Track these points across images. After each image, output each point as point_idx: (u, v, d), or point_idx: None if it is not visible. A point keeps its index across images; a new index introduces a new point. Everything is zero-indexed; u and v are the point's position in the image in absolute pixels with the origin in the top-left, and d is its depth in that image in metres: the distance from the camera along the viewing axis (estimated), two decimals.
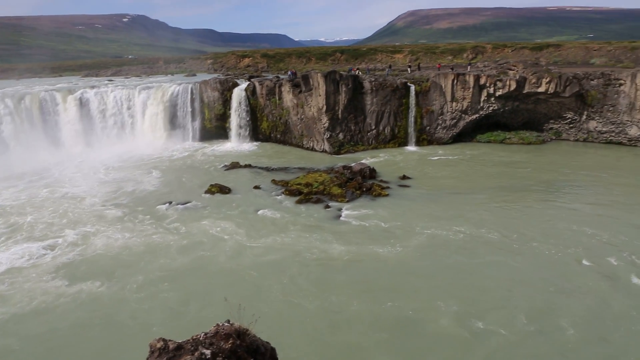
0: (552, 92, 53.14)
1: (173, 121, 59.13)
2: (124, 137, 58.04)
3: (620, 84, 52.67)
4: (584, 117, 54.92)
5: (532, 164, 45.83)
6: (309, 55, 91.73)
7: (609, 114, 53.48)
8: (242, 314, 6.42)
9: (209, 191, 38.44)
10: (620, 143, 52.99)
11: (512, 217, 31.97)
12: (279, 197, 36.83)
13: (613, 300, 21.29)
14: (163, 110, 58.49)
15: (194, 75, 78.92)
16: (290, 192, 37.27)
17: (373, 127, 54.31)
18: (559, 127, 56.62)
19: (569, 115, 55.37)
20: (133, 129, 58.80)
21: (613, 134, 53.75)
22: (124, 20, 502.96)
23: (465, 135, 56.41)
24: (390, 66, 73.92)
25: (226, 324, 6.09)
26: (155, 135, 58.36)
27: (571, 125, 55.95)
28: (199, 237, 29.33)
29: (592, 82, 53.96)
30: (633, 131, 52.41)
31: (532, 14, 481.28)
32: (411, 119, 54.44)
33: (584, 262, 25.02)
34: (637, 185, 38.65)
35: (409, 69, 67.71)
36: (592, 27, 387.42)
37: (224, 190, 38.58)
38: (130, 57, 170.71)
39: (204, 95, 59.11)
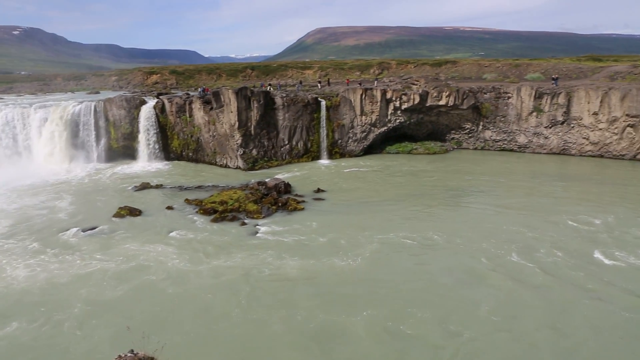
0: (452, 104, 57.14)
1: (75, 142, 55.39)
2: (18, 160, 53.37)
3: (509, 97, 57.97)
4: (480, 127, 59.62)
5: (438, 172, 48.80)
6: (219, 72, 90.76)
7: (501, 124, 58.56)
8: (147, 342, 6.18)
9: (118, 214, 36.39)
10: (511, 150, 58.21)
11: (424, 221, 33.72)
12: (193, 217, 35.81)
13: (523, 291, 23.18)
14: (64, 130, 54.65)
15: (97, 92, 74.73)
16: (205, 211, 36.41)
17: (286, 142, 54.81)
18: (460, 137, 60.90)
19: (468, 125, 59.81)
20: (30, 151, 54.31)
21: (505, 142, 58.87)
22: (15, 33, 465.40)
23: (375, 147, 58.76)
24: (300, 82, 75.26)
25: (129, 354, 5.85)
26: (55, 158, 54.29)
27: (470, 135, 60.41)
28: (106, 264, 27.62)
29: (485, 95, 58.83)
30: (521, 139, 57.80)
31: (431, 33, 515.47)
32: (323, 133, 55.70)
33: (487, 259, 27.00)
34: (531, 187, 42.56)
35: (319, 85, 69.38)
36: (483, 46, 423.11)
37: (134, 212, 36.75)
38: (23, 73, 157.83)
39: (109, 113, 56.19)
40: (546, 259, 27.16)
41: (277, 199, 38.48)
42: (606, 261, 26.73)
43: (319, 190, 42.23)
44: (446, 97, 56.99)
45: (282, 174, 48.29)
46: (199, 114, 55.04)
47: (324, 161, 55.21)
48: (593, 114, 54.15)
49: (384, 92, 56.92)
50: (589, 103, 54.16)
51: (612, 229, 31.79)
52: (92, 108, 55.74)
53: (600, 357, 18.46)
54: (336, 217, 35.06)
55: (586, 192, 41.30)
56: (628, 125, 52.74)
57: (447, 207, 37.65)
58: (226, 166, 53.69)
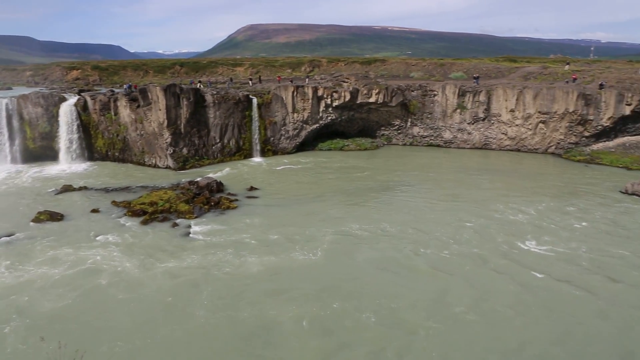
0: (381, 102, 58.80)
1: None
2: None
3: (434, 95, 60.57)
4: (409, 123, 61.86)
5: (370, 168, 50.10)
6: (146, 68, 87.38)
7: (428, 120, 61.11)
8: (64, 353, 5.92)
9: (37, 220, 34.07)
10: (438, 145, 60.96)
11: (357, 215, 34.48)
12: (121, 220, 34.30)
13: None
14: None
15: (10, 88, 69.42)
16: (134, 213, 35.01)
17: (218, 141, 53.88)
18: (389, 133, 62.83)
19: (397, 122, 61.83)
20: None
21: (432, 138, 61.52)
22: None
23: (307, 145, 59.24)
24: (231, 79, 74.22)
25: None
26: None
27: (399, 131, 62.50)
28: (25, 274, 25.84)
29: (412, 93, 61.06)
30: (447, 135, 60.66)
31: (361, 32, 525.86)
32: (255, 131, 55.33)
33: (420, 249, 28.17)
34: (457, 180, 44.81)
35: (250, 82, 68.76)
36: (410, 45, 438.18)
37: (55, 217, 34.56)
38: None
39: (24, 111, 52.34)
40: (475, 247, 28.81)
41: (210, 199, 37.79)
42: (530, 248, 28.82)
43: (252, 189, 41.96)
44: (376, 94, 58.55)
45: (214, 173, 47.44)
46: (125, 112, 52.70)
47: (257, 159, 54.87)
48: (510, 111, 57.87)
49: (315, 90, 57.49)
50: (506, 101, 57.82)
51: (535, 217, 34.27)
52: (3, 105, 51.69)
53: (522, 332, 19.90)
54: (270, 215, 35.04)
55: (508, 183, 44.18)
56: (540, 122, 56.89)
57: (379, 201, 38.78)
58: (155, 166, 51.87)
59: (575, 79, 59.88)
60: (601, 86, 56.00)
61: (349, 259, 27.59)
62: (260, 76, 77.62)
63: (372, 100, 58.75)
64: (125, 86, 59.66)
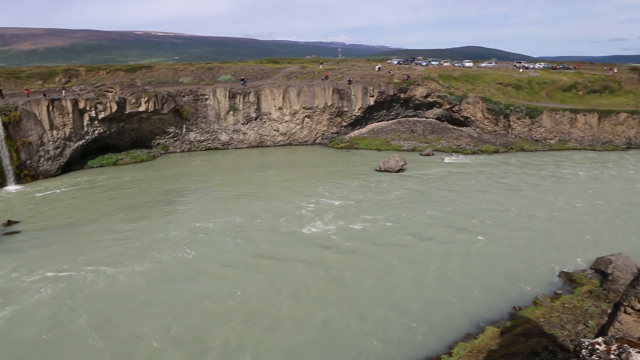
0: (152, 110, 56.60)
1: None
2: None
3: (206, 99, 61.17)
4: (184, 130, 61.10)
5: (150, 179, 47.90)
6: None
7: (203, 124, 61.41)
8: None
9: None
10: (216, 148, 61.89)
11: (143, 230, 32.73)
12: None
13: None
14: None
15: None
16: None
17: None
18: (165, 141, 61.00)
19: (172, 129, 60.41)
20: None
21: (210, 141, 62.09)
22: None
23: (75, 164, 53.40)
24: None
25: None
26: None
27: (175, 139, 61.21)
28: None
29: (184, 98, 60.45)
30: (223, 137, 62.03)
31: (122, 38, 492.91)
32: (4, 155, 47.30)
33: (210, 253, 28.39)
34: (242, 179, 46.32)
35: None
36: (176, 50, 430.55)
37: None
38: None
39: None
40: (265, 240, 30.43)
41: None
42: (306, 231, 31.79)
43: (10, 223, 35.87)
44: (145, 103, 56.10)
45: None
46: None
47: (12, 187, 46.96)
48: (279, 109, 62.30)
49: (75, 102, 52.02)
50: (274, 99, 61.99)
51: (317, 199, 37.79)
52: None
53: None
54: (37, 251, 30.50)
55: (287, 174, 47.77)
56: (306, 116, 62.80)
57: (164, 212, 37.55)
58: None
59: (327, 76, 67.75)
60: (349, 82, 64.71)
61: (135, 287, 26.22)
62: (1, 90, 66.26)
63: (142, 109, 56.10)
64: None
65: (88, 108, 52.91)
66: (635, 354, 4.97)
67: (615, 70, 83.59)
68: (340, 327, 21.07)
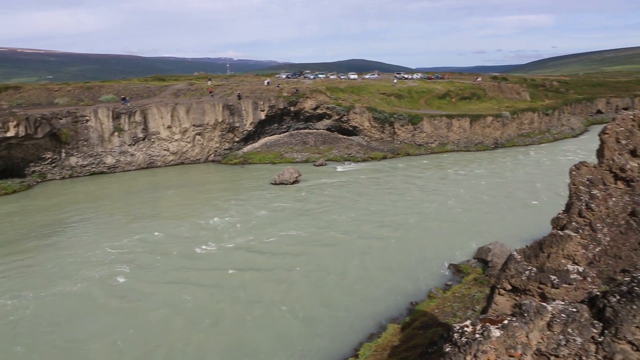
0: (23, 135, 51.62)
1: None
2: None
3: (87, 120, 57.24)
4: (64, 154, 56.42)
5: (25, 212, 43.41)
6: None
7: (85, 148, 57.25)
8: None
9: None
10: (102, 172, 57.87)
11: (19, 270, 29.59)
12: None
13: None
14: None
15: None
16: None
17: None
18: (42, 168, 55.80)
19: (49, 155, 55.46)
20: None
21: (94, 166, 57.98)
22: None
23: None
24: None
25: None
26: None
27: (54, 165, 56.26)
28: None
29: (61, 120, 55.95)
30: (109, 160, 58.37)
31: None
32: None
33: (95, 287, 26.52)
34: (133, 204, 43.74)
35: None
36: (50, 69, 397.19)
37: None
38: None
39: None
40: (158, 265, 29.12)
41: None
42: (201, 251, 31.07)
43: None
44: (14, 127, 50.98)
45: None
46: None
47: None
48: (168, 128, 60.22)
49: None
50: (162, 118, 59.84)
51: (217, 217, 36.94)
52: None
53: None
54: None
55: (181, 194, 46.20)
56: (197, 134, 61.43)
57: (45, 247, 34.20)
58: None
59: (211, 92, 67.04)
60: (239, 97, 64.61)
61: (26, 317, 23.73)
62: None
63: (10, 134, 50.87)
64: None
65: None
66: (495, 329, 5.71)
67: (480, 79, 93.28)
68: (236, 352, 20.90)
